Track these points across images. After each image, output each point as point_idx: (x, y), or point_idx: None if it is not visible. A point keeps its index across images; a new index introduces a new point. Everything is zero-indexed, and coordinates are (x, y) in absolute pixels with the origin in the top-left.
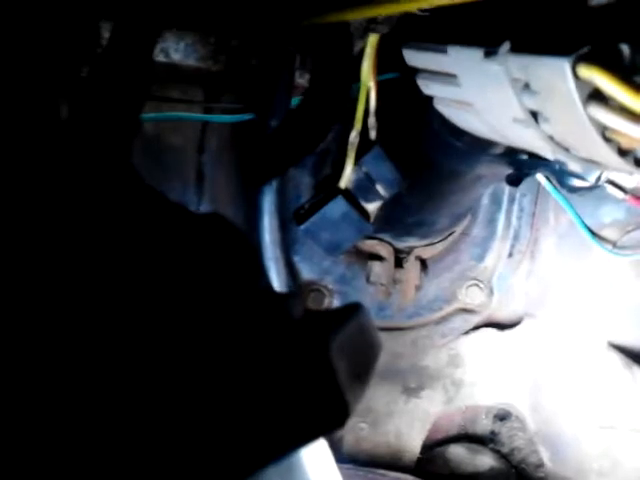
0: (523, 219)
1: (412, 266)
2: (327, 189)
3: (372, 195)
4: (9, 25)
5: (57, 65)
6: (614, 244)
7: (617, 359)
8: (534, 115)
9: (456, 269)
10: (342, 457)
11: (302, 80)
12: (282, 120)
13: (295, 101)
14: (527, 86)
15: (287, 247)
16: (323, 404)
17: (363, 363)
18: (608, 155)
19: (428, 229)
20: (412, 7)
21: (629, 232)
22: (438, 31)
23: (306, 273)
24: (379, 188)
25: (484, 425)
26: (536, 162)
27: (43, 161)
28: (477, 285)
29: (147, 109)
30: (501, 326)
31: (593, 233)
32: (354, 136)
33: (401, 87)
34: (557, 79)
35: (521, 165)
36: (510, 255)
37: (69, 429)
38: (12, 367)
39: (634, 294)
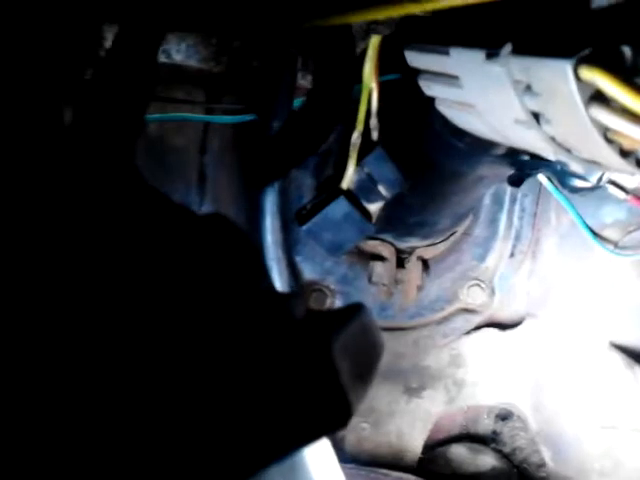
0: (525, 219)
1: (414, 266)
2: (329, 190)
3: (374, 196)
4: (12, 28)
5: (60, 67)
6: (615, 244)
7: (619, 359)
8: (536, 116)
9: (458, 269)
10: (344, 457)
11: (304, 81)
12: (284, 121)
13: (297, 102)
14: (529, 88)
15: (289, 247)
16: (326, 404)
17: (366, 363)
18: (610, 156)
19: (430, 229)
20: (415, 9)
21: (630, 232)
22: (440, 32)
23: (308, 273)
24: (381, 189)
25: (486, 425)
26: (537, 163)
27: (46, 164)
28: (479, 285)
29: (149, 110)
30: (503, 326)
31: (594, 233)
32: (356, 137)
33: (403, 88)
34: (559, 81)
35: (523, 166)
36: (512, 255)
37: (69, 429)
38: (12, 367)
39: (635, 294)
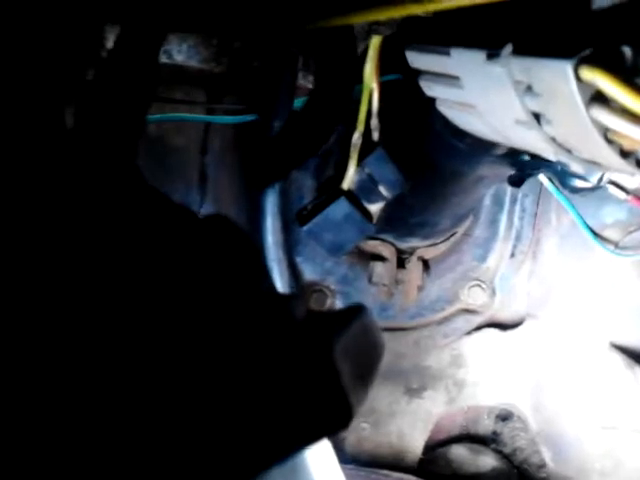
0: (525, 220)
1: (414, 267)
2: (330, 190)
3: (375, 196)
4: (13, 30)
5: (62, 68)
6: (616, 244)
7: (619, 360)
8: (536, 117)
9: (458, 269)
10: (344, 457)
11: (304, 81)
12: (285, 122)
13: (298, 102)
14: (529, 88)
15: (290, 248)
16: (327, 406)
17: (366, 365)
18: (610, 157)
19: (430, 230)
20: (417, 10)
21: (631, 232)
22: (441, 33)
23: (308, 274)
24: (382, 189)
25: (486, 425)
26: (538, 163)
27: (48, 165)
28: (479, 285)
29: (150, 110)
30: (503, 326)
31: (595, 234)
32: (357, 137)
33: (403, 89)
34: (559, 81)
35: (523, 166)
36: (512, 255)
37: (70, 430)
38: (12, 367)
39: (636, 294)
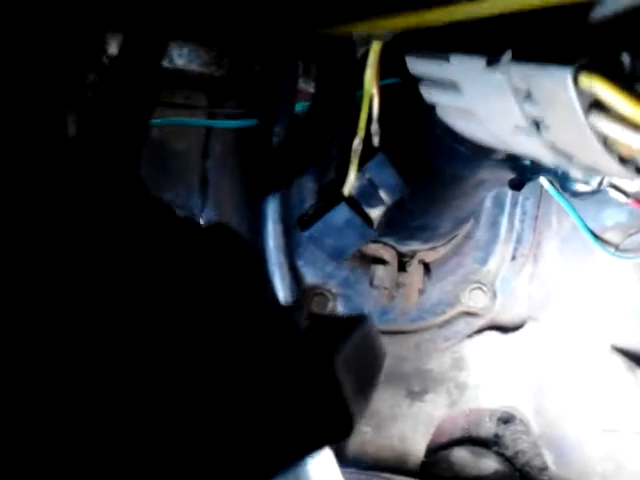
0: (526, 222)
1: (415, 270)
2: (330, 195)
3: (375, 201)
4: (16, 35)
5: (64, 75)
6: (617, 247)
7: (620, 362)
8: (536, 123)
9: (459, 272)
10: (346, 461)
11: (305, 86)
12: (287, 129)
13: (299, 107)
14: (529, 95)
15: (291, 252)
16: (329, 417)
17: (367, 376)
18: (609, 163)
19: (431, 233)
20: (420, 21)
21: (631, 235)
22: (441, 39)
23: (310, 277)
24: (382, 194)
25: (488, 428)
26: (538, 167)
27: (50, 172)
28: (480, 288)
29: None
30: (504, 329)
31: (596, 236)
32: (357, 143)
33: (404, 94)
34: (558, 88)
35: (523, 170)
36: (513, 258)
37: (71, 430)
38: (13, 368)
39: (637, 297)
